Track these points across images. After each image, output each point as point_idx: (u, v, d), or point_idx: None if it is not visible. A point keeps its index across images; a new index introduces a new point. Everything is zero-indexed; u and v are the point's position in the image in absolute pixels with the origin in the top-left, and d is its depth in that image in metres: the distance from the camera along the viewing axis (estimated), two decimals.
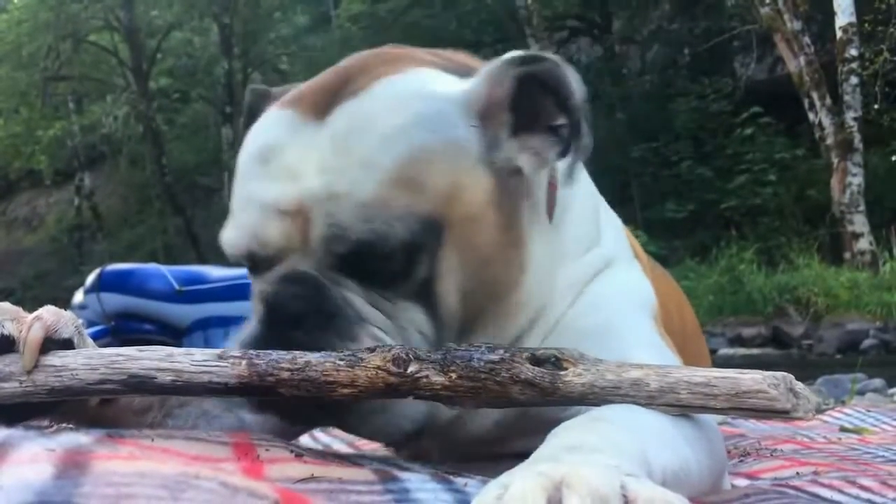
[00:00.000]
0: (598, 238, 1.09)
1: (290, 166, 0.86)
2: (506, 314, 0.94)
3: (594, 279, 1.05)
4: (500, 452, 1.07)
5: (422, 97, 0.89)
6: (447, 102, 0.90)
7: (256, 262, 0.91)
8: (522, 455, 0.66)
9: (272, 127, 0.91)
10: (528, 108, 0.93)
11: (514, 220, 0.93)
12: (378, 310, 0.87)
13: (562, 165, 0.95)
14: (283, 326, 0.85)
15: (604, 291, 1.04)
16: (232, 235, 0.91)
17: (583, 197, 1.10)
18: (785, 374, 0.78)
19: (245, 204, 0.89)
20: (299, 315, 0.85)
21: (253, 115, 0.99)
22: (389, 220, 0.83)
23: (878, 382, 4.08)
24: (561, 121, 0.92)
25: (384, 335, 0.86)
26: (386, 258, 0.85)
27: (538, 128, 0.93)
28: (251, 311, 0.93)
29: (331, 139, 0.86)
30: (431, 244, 0.86)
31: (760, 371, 0.78)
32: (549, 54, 0.94)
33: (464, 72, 0.95)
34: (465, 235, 0.87)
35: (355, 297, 0.86)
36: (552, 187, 1.02)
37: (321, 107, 0.89)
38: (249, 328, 0.90)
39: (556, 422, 0.74)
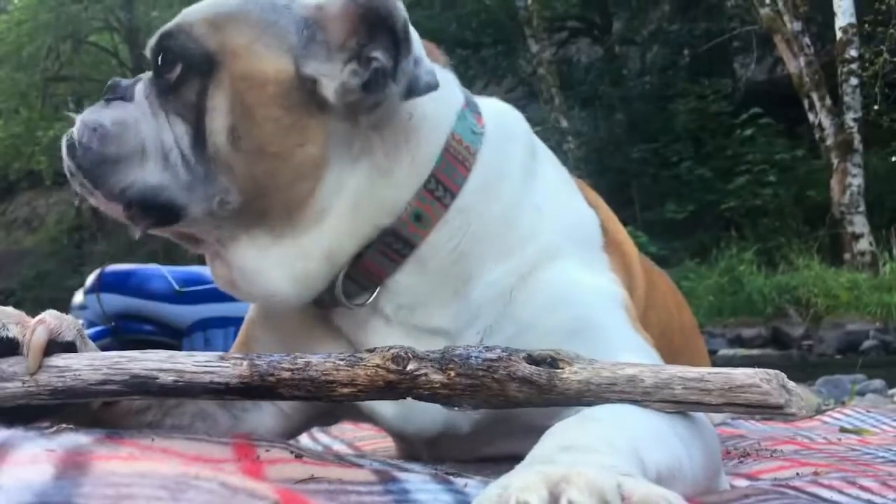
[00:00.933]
0: (537, 227, 1.07)
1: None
2: (296, 222, 1.00)
3: (535, 272, 1.04)
4: (485, 454, 1.08)
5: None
6: (295, 3, 1.03)
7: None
8: (510, 457, 0.66)
9: None
10: (366, 42, 1.00)
11: (304, 128, 0.99)
12: (150, 108, 1.03)
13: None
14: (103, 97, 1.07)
15: (560, 286, 1.04)
16: None
17: (517, 180, 1.09)
18: (777, 371, 0.79)
19: None
20: (108, 91, 1.08)
21: None
22: (183, 34, 1.02)
23: (878, 383, 4.08)
24: (375, 53, 0.98)
25: (139, 123, 1.02)
26: (170, 61, 1.02)
27: (352, 60, 1.00)
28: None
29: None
30: (203, 74, 0.99)
31: (753, 368, 0.79)
32: None
33: None
34: (237, 90, 0.98)
35: (140, 92, 1.05)
36: (454, 147, 1.05)
37: None
38: None
39: (537, 425, 0.74)
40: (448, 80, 1.11)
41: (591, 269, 1.08)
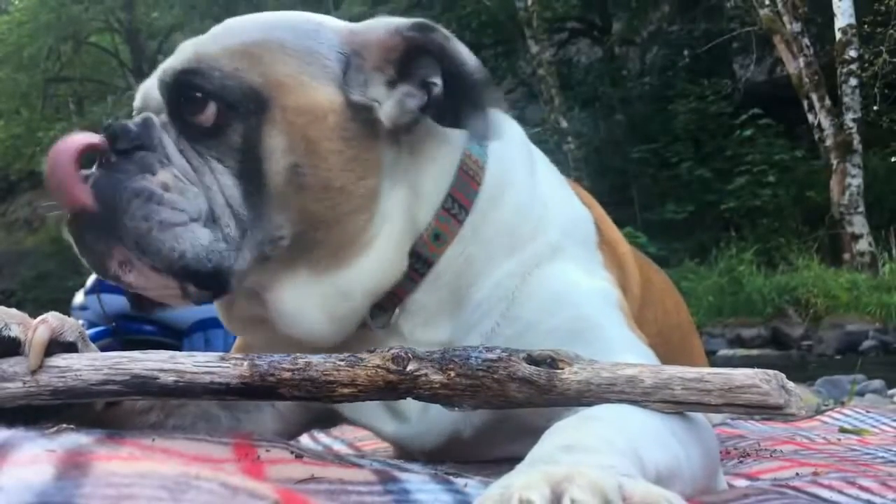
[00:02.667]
0: (540, 226, 1.08)
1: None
2: (346, 259, 0.98)
3: (536, 270, 1.05)
4: (483, 457, 1.08)
5: (301, 19, 1.01)
6: (323, 27, 1.00)
7: (128, 133, 0.97)
8: (509, 459, 0.66)
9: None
10: (411, 71, 0.99)
11: (365, 160, 0.97)
12: (186, 159, 0.94)
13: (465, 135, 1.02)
14: (111, 145, 0.94)
15: (558, 287, 1.04)
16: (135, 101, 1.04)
17: (521, 185, 1.10)
18: (776, 371, 0.79)
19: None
20: (117, 138, 0.94)
21: None
22: (213, 70, 0.92)
23: (877, 383, 4.08)
24: (435, 79, 0.97)
25: (183, 182, 0.92)
26: (199, 101, 0.93)
27: (412, 82, 0.99)
28: None
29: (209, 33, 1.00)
30: (251, 113, 0.92)
31: (752, 368, 0.79)
32: (439, 27, 0.99)
33: None
34: (296, 124, 0.93)
35: (170, 142, 0.94)
36: (467, 164, 1.05)
37: None
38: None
39: (537, 427, 0.75)
40: None
41: (588, 269, 1.09)
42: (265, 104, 0.93)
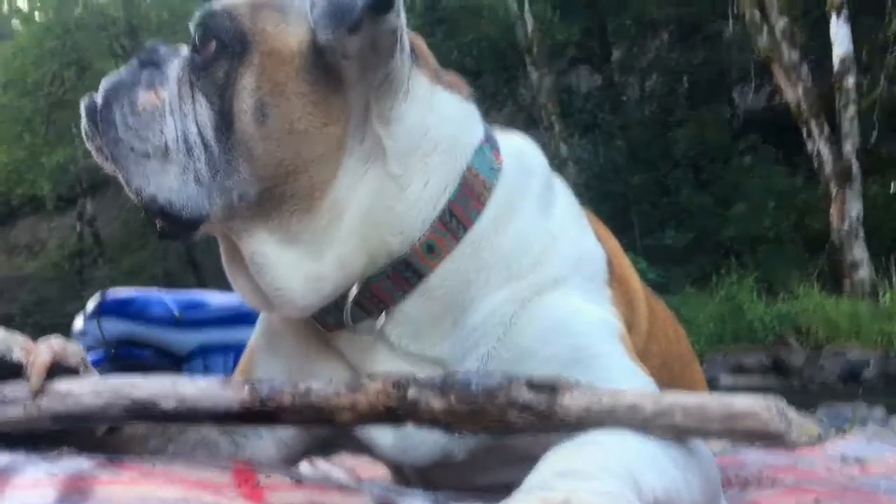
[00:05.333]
0: (544, 258, 1.08)
1: None
2: (314, 214, 1.01)
3: (536, 297, 1.05)
4: (480, 484, 1.08)
5: None
6: None
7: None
8: (506, 486, 0.66)
9: None
10: None
11: (328, 106, 1.01)
12: (179, 86, 1.04)
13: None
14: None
15: (559, 315, 1.04)
16: None
17: (529, 215, 1.10)
18: (777, 398, 0.79)
19: None
20: (144, 50, 1.11)
21: None
22: (224, 13, 1.03)
23: (879, 412, 4.07)
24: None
25: (164, 106, 1.03)
26: (207, 37, 1.03)
27: None
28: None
29: None
30: (235, 54, 1.01)
31: (752, 396, 0.79)
32: None
33: None
34: (266, 66, 1.00)
35: (175, 69, 1.06)
36: (471, 182, 1.06)
37: None
38: None
39: (533, 452, 0.74)
40: (469, 113, 1.13)
41: (592, 300, 1.08)
42: (247, 47, 1.01)
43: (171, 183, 1.01)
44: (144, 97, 1.04)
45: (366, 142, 1.03)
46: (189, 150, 1.01)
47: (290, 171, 1.00)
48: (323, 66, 1.00)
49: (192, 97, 1.03)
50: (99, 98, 1.06)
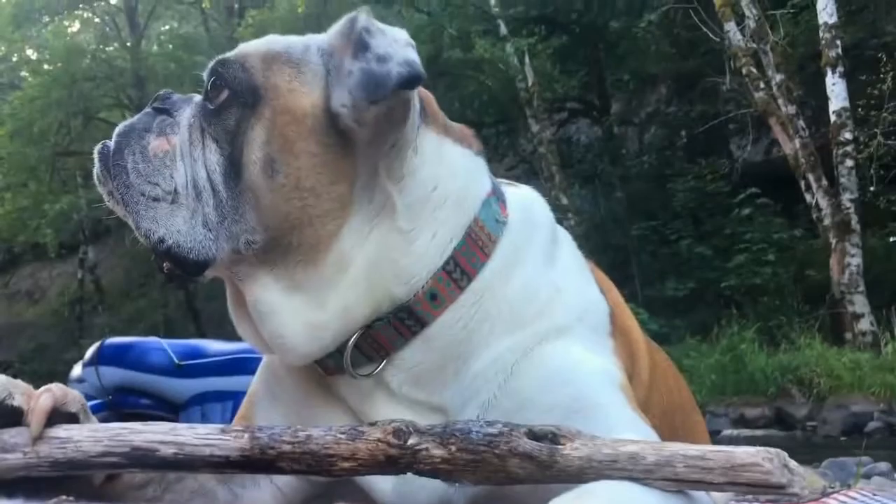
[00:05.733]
0: (547, 309, 1.09)
1: None
2: (319, 266, 1.02)
3: (538, 347, 1.05)
4: None
5: (310, 38, 1.12)
6: (314, 40, 1.10)
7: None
8: None
9: None
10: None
11: (336, 167, 1.02)
12: (190, 133, 1.07)
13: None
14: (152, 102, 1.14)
15: (560, 364, 1.04)
16: None
17: (533, 266, 1.11)
18: (779, 450, 0.78)
19: None
20: (158, 98, 1.15)
21: None
22: (237, 64, 1.07)
23: (883, 466, 4.01)
24: (351, 66, 1.02)
25: (174, 152, 1.06)
26: (219, 85, 1.06)
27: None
28: None
29: None
30: (247, 105, 1.04)
31: (754, 446, 0.78)
32: (363, 16, 1.06)
33: None
34: (277, 123, 1.02)
35: (187, 116, 1.09)
36: (476, 234, 1.07)
37: None
38: None
39: (532, 501, 0.74)
40: (477, 167, 1.15)
41: (594, 351, 1.09)
42: (259, 101, 1.03)
43: (179, 226, 1.03)
44: (156, 143, 1.07)
45: (375, 199, 1.04)
46: (198, 195, 1.03)
47: (295, 224, 1.01)
48: (335, 129, 1.02)
49: (203, 143, 1.05)
50: (111, 144, 1.09)
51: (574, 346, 1.07)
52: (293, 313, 1.02)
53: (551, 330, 1.07)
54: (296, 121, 1.02)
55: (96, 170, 1.10)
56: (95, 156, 1.10)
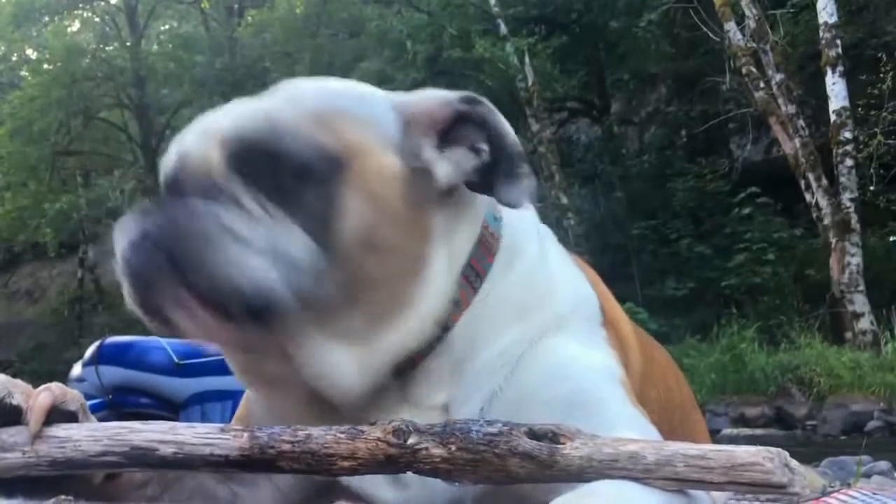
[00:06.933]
0: (547, 297, 1.09)
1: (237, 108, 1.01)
2: (389, 319, 0.98)
3: (541, 340, 1.05)
4: None
5: (357, 87, 1.06)
6: (378, 97, 1.05)
7: (178, 184, 0.98)
8: None
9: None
10: (456, 138, 1.03)
11: (421, 224, 1.00)
12: (260, 224, 0.93)
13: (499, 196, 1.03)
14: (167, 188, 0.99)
15: (561, 359, 1.04)
16: (165, 159, 1.02)
17: (531, 256, 1.12)
18: (779, 449, 0.78)
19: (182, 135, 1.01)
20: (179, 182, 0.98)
21: None
22: (291, 133, 0.94)
23: (883, 465, 4.02)
24: (483, 146, 1.02)
25: (249, 251, 0.91)
26: (275, 162, 0.93)
27: (461, 147, 1.03)
28: None
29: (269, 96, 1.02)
30: (327, 175, 0.94)
31: (755, 446, 0.78)
32: (485, 100, 1.04)
33: None
34: (369, 186, 0.96)
35: (236, 195, 0.93)
36: (485, 236, 1.08)
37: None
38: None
39: (538, 500, 0.74)
40: None
41: (592, 344, 1.09)
42: (342, 167, 0.95)
43: (256, 270, 0.91)
44: (224, 222, 0.92)
45: (441, 245, 1.02)
46: (276, 257, 0.92)
47: (374, 283, 0.97)
48: (416, 187, 1.00)
49: (275, 220, 0.94)
50: (159, 234, 0.92)
51: (573, 340, 1.07)
52: (351, 363, 0.98)
53: (553, 319, 1.07)
54: (387, 182, 0.97)
55: (129, 267, 0.93)
56: (125, 250, 0.93)
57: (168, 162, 1.01)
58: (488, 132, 1.02)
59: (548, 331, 1.06)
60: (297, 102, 0.99)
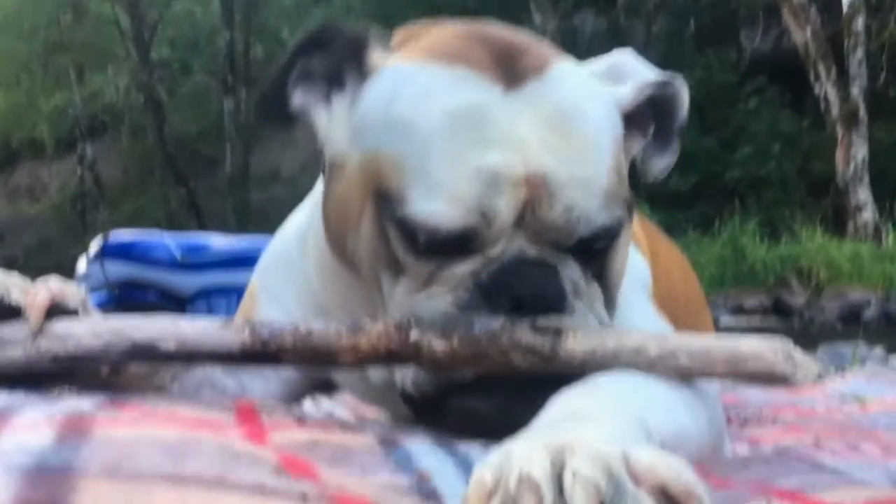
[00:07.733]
0: None
1: (509, 136, 0.81)
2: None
3: None
4: None
5: (599, 92, 0.91)
6: (612, 100, 0.92)
7: (469, 239, 0.81)
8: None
9: (459, 87, 0.83)
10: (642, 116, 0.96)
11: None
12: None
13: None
14: (526, 311, 0.80)
15: None
16: (444, 209, 0.79)
17: None
18: (784, 341, 0.78)
19: (458, 171, 0.80)
20: (538, 299, 0.81)
21: (343, 59, 0.91)
22: (617, 205, 0.85)
23: (878, 352, 4.09)
24: (651, 122, 0.97)
25: (591, 317, 0.85)
26: (609, 240, 0.87)
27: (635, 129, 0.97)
28: (438, 297, 0.83)
29: (545, 118, 0.82)
30: (617, 232, 0.88)
31: (758, 337, 0.78)
32: (678, 78, 0.97)
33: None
34: (627, 241, 0.94)
35: (579, 280, 0.85)
36: None
37: (506, 77, 0.84)
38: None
39: None
40: None
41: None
42: (631, 210, 0.92)
43: None
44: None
45: None
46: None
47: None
48: None
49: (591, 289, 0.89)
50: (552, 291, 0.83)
51: None
52: None
53: None
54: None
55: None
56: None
57: (455, 212, 0.80)
58: (665, 108, 0.96)
59: None
60: (600, 152, 0.85)
